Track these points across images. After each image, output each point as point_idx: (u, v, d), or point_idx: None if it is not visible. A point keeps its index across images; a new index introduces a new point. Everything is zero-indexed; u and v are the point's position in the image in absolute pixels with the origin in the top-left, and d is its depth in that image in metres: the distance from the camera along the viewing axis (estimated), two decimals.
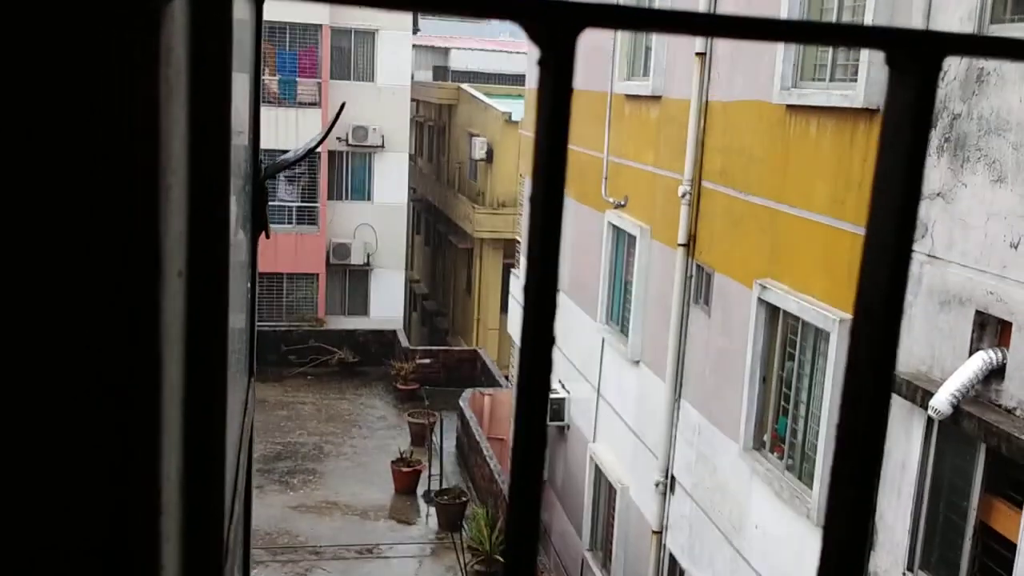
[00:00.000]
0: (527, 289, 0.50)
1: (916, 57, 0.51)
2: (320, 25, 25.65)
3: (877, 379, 0.54)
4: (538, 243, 0.50)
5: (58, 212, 0.57)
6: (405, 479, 17.84)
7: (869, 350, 0.54)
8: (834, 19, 8.39)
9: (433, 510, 17.10)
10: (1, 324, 0.58)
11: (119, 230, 0.58)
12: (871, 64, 7.50)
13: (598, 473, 13.84)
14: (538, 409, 0.50)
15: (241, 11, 1.68)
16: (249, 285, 2.02)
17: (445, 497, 16.94)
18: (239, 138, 1.62)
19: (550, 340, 0.50)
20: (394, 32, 26.70)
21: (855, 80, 7.93)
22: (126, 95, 0.56)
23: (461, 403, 19.70)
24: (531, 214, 0.50)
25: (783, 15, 8.79)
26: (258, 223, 2.13)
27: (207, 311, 0.79)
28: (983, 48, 0.60)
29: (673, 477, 11.43)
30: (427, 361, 23.55)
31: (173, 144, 0.63)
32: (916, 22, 6.98)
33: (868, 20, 7.60)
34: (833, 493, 0.55)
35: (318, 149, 22.97)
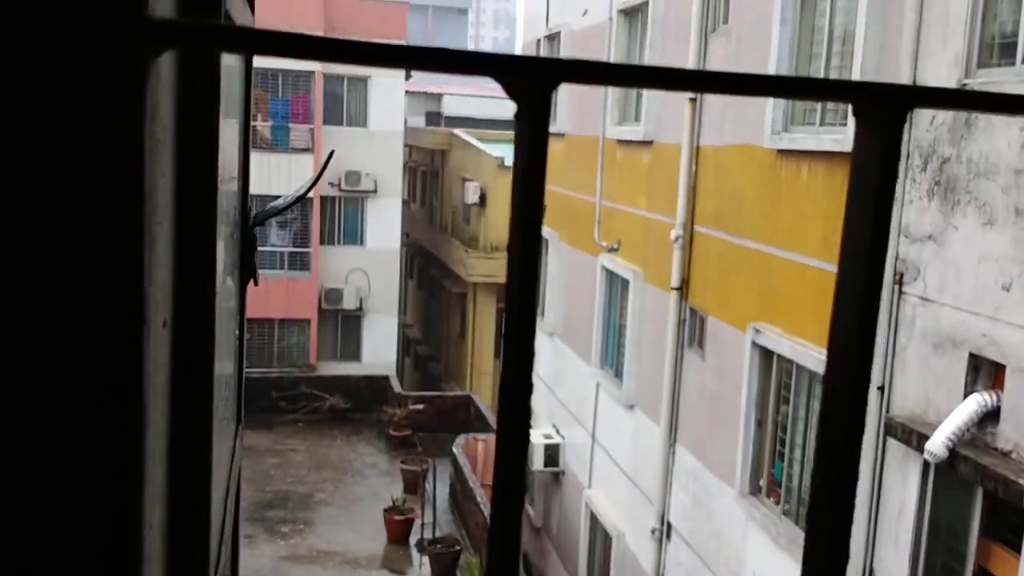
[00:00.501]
0: (506, 336, 0.51)
1: (881, 109, 0.53)
2: (313, 72, 25.87)
3: (851, 419, 0.55)
4: (515, 290, 0.51)
5: (40, 265, 0.58)
6: (398, 528, 17.63)
7: (843, 392, 0.55)
8: (823, 66, 8.50)
9: (426, 559, 16.89)
10: None
11: (102, 282, 0.58)
12: None
13: (593, 520, 13.72)
14: (518, 454, 0.51)
15: (230, 57, 1.70)
16: (237, 332, 2.02)
17: (438, 546, 16.75)
18: (228, 184, 1.64)
19: (528, 388, 0.51)
20: (387, 78, 26.92)
21: (844, 124, 8.02)
22: (111, 151, 0.57)
23: (454, 449, 19.55)
24: (508, 264, 0.51)
25: (772, 63, 8.90)
26: (247, 270, 2.13)
27: (193, 360, 0.79)
28: (950, 100, 0.62)
29: (669, 523, 11.34)
30: (420, 407, 23.40)
31: (159, 197, 0.64)
32: (904, 68, 7.08)
33: (856, 67, 7.69)
34: (810, 536, 0.55)
35: (310, 194, 23.04)
